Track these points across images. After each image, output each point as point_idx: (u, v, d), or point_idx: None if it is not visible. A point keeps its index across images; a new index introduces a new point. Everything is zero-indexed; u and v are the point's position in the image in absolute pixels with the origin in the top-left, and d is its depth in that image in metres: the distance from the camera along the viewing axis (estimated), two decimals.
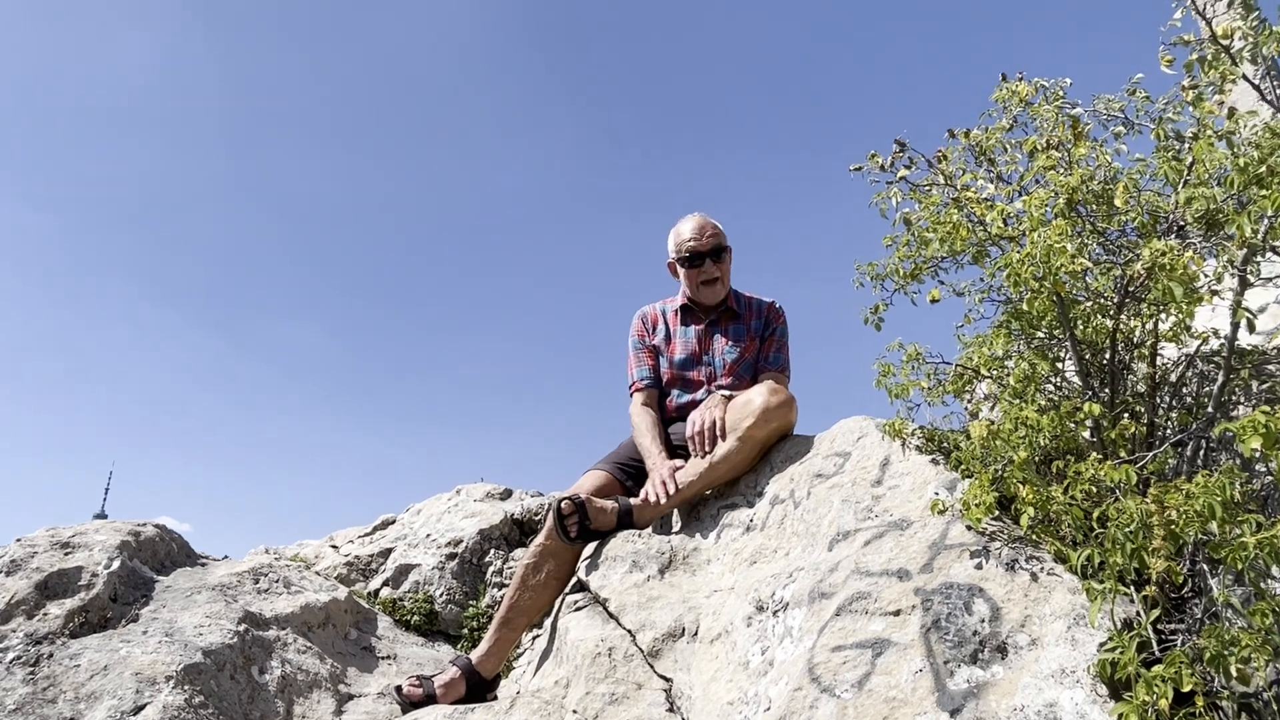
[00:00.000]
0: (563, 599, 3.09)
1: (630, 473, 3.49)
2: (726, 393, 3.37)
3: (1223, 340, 2.19)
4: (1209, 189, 2.05)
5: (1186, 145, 2.31)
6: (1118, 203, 2.22)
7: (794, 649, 2.10)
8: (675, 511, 3.40)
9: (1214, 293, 2.14)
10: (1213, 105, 2.15)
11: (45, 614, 2.97)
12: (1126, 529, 1.64)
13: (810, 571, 2.29)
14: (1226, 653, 1.46)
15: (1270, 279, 2.66)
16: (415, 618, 4.18)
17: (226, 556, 4.05)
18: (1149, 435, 2.25)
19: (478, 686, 3.06)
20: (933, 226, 2.50)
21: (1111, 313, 2.27)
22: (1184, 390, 2.48)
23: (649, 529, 3.23)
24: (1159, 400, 2.36)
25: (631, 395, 3.68)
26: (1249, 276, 2.04)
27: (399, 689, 3.06)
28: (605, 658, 2.54)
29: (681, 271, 3.69)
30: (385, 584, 4.37)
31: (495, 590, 4.36)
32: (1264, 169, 1.78)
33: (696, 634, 2.58)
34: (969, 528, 2.06)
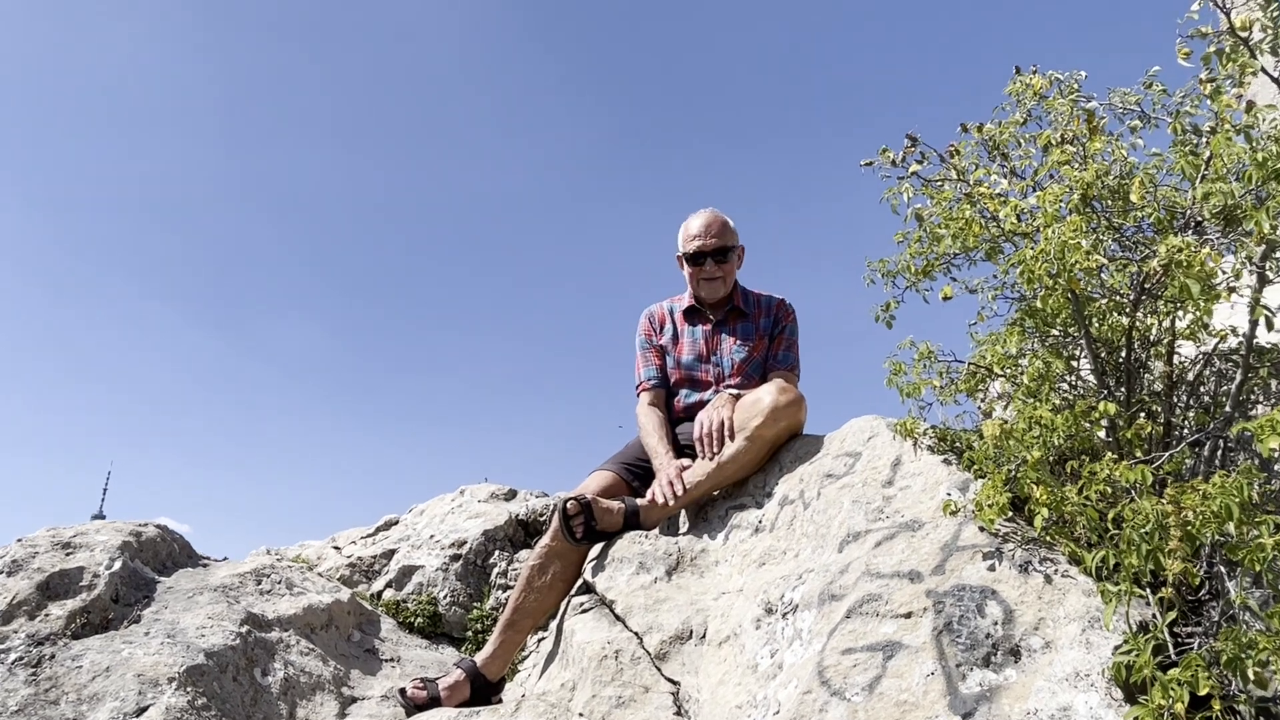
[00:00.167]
0: (569, 601, 3.08)
1: (637, 473, 3.47)
2: (734, 392, 3.35)
3: (1241, 338, 2.18)
4: (1227, 184, 2.03)
5: (1204, 139, 2.29)
6: (1134, 198, 2.19)
7: (803, 652, 2.09)
8: (683, 512, 3.38)
9: (1232, 290, 2.13)
10: (1231, 99, 2.13)
11: (47, 615, 2.96)
12: (1142, 530, 1.64)
13: (820, 573, 2.28)
14: (1244, 656, 1.45)
15: None
16: (419, 620, 4.16)
17: (226, 558, 4.03)
18: (1166, 435, 2.23)
19: (482, 689, 3.05)
20: (945, 222, 2.48)
21: (1127, 310, 2.26)
22: (1201, 389, 2.46)
23: (656, 530, 3.21)
24: (1176, 399, 2.35)
25: (639, 395, 3.66)
26: (1267, 273, 2.04)
27: (403, 692, 3.04)
28: (612, 660, 2.52)
29: (685, 268, 3.67)
30: (388, 585, 4.35)
31: (500, 592, 4.33)
32: None
33: (704, 636, 2.56)
34: (982, 529, 2.05)
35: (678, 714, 2.34)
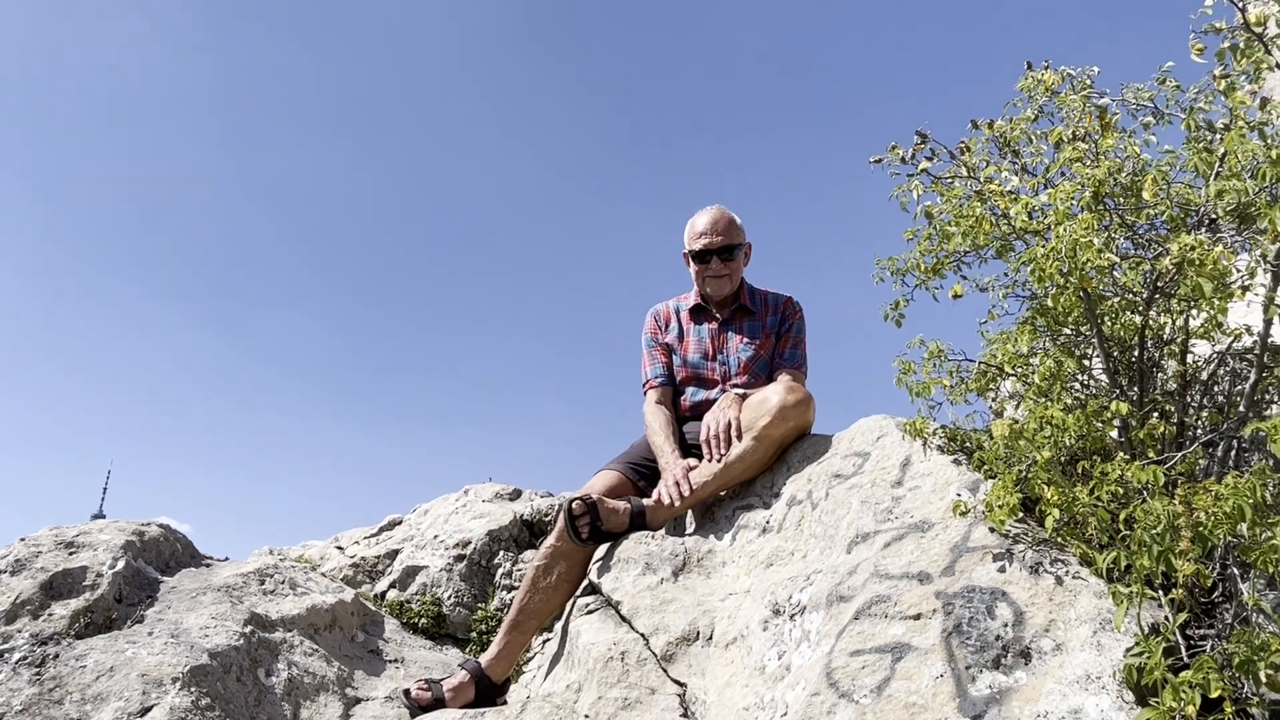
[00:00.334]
0: (574, 602, 3.06)
1: (643, 473, 3.46)
2: (741, 391, 3.33)
3: (1255, 337, 2.16)
4: (1241, 181, 2.01)
5: (1218, 136, 2.28)
6: (1146, 195, 2.17)
7: (811, 653, 2.08)
8: (689, 512, 3.36)
9: (1246, 288, 2.12)
10: (1245, 95, 2.11)
11: (50, 614, 2.95)
12: (1154, 531, 1.63)
13: (828, 574, 2.27)
14: (1256, 658, 1.44)
15: None
16: (423, 620, 4.15)
17: (227, 558, 4.02)
18: (1179, 435, 2.22)
19: (487, 690, 3.04)
20: (955, 220, 2.47)
21: (1140, 309, 2.25)
22: (1215, 389, 2.45)
23: (662, 530, 3.19)
24: (1189, 399, 2.33)
25: (645, 394, 3.65)
26: None
27: (407, 693, 3.03)
28: (618, 662, 2.51)
29: (691, 265, 3.65)
30: (392, 586, 4.34)
31: (505, 593, 4.32)
32: None
33: (711, 638, 2.55)
34: (992, 530, 2.04)
35: (684, 716, 2.32)
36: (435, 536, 4.59)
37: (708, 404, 3.49)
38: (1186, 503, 1.63)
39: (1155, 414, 2.29)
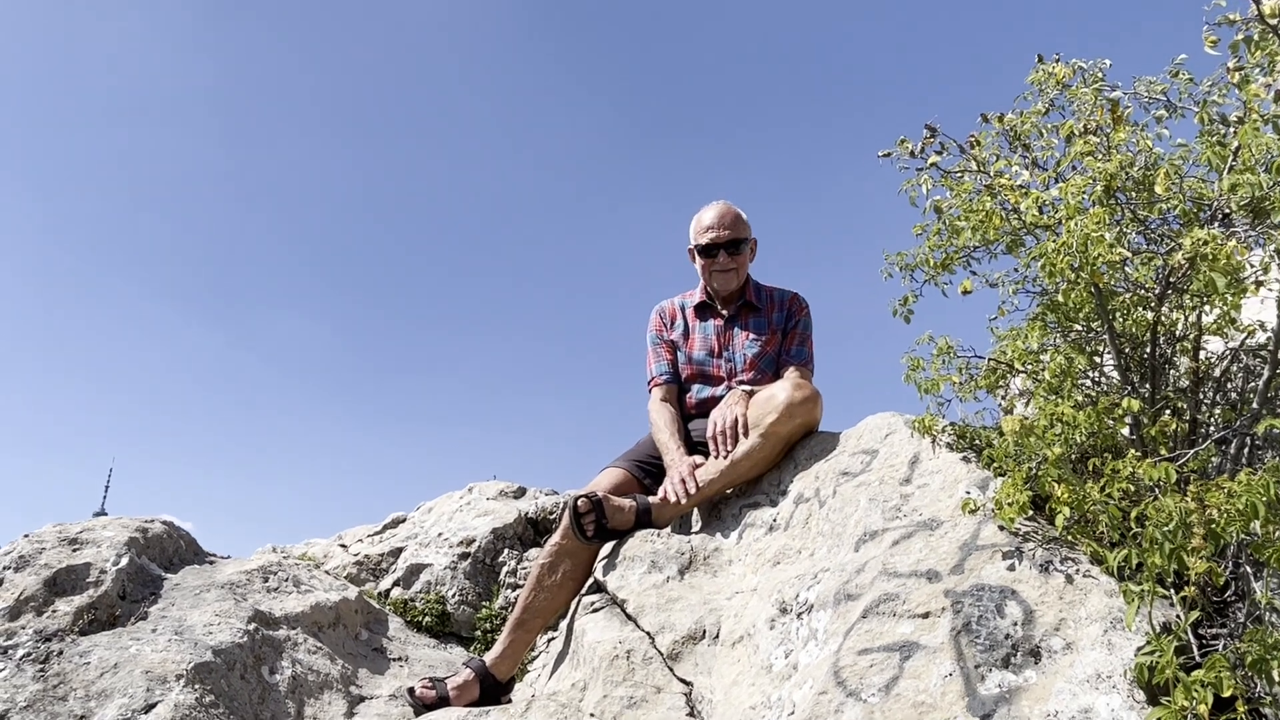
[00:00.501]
0: (579, 600, 3.05)
1: (649, 470, 3.44)
2: (747, 388, 3.31)
3: (1269, 333, 2.14)
4: (1255, 175, 2.00)
5: (1231, 129, 2.26)
6: (1158, 189, 2.16)
7: (819, 652, 2.07)
8: (695, 510, 3.35)
9: (1259, 284, 2.10)
10: (1259, 88, 2.10)
11: (54, 611, 2.95)
12: (1165, 529, 1.62)
13: (836, 572, 2.26)
14: (1269, 657, 1.43)
15: None
16: (427, 619, 4.14)
17: (230, 556, 4.01)
18: (1191, 432, 2.20)
19: (492, 689, 3.03)
20: (965, 215, 2.45)
21: (1152, 304, 2.24)
22: (1228, 385, 2.44)
23: (668, 528, 3.18)
24: (1202, 396, 2.32)
25: (650, 391, 3.63)
26: None
27: (411, 691, 3.02)
28: (623, 660, 2.50)
29: (697, 260, 3.64)
30: (396, 584, 4.33)
31: (509, 591, 4.31)
32: None
33: (718, 636, 2.54)
34: (1001, 528, 2.03)
35: (690, 715, 2.31)
36: (439, 534, 4.58)
37: (713, 401, 3.47)
38: (1199, 500, 1.62)
39: (1167, 411, 2.27)
